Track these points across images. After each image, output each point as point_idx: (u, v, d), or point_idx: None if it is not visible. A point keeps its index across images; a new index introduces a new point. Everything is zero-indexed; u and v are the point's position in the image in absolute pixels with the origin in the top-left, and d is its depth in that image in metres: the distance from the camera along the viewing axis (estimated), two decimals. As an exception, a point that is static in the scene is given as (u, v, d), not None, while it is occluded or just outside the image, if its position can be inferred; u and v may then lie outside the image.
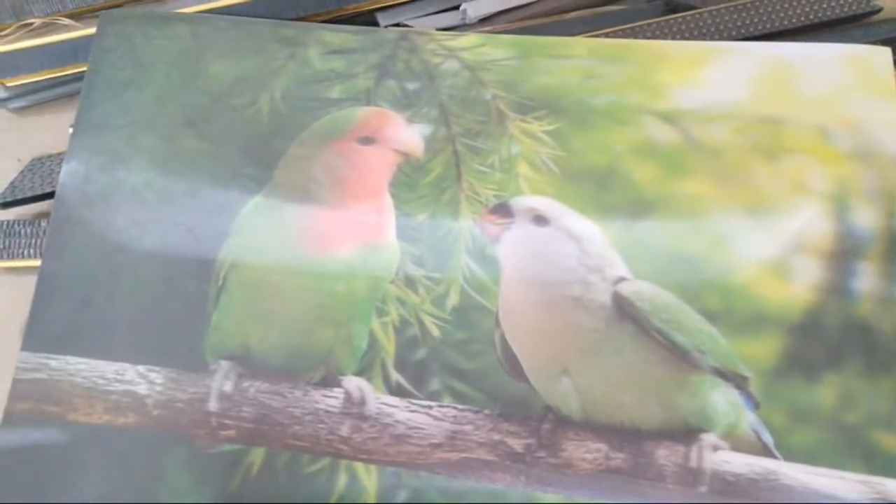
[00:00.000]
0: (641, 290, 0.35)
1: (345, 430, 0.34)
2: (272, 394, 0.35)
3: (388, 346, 0.36)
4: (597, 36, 0.44)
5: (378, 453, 0.34)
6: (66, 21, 0.46)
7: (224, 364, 0.35)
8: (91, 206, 0.39)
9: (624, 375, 0.34)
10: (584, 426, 0.34)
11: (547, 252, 0.36)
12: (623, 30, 0.44)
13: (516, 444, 0.34)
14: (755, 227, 0.37)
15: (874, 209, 0.37)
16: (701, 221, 0.37)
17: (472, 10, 0.47)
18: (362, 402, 0.35)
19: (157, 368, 0.35)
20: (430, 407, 0.34)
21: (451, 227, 0.38)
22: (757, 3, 0.45)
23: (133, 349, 0.36)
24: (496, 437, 0.34)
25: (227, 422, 0.35)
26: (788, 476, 0.33)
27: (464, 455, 0.34)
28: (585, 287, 0.35)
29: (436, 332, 0.36)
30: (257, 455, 0.34)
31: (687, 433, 0.33)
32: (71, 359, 0.36)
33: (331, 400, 0.35)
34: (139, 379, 0.35)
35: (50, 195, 0.42)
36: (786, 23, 0.44)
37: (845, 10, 0.44)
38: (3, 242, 0.42)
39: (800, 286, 0.36)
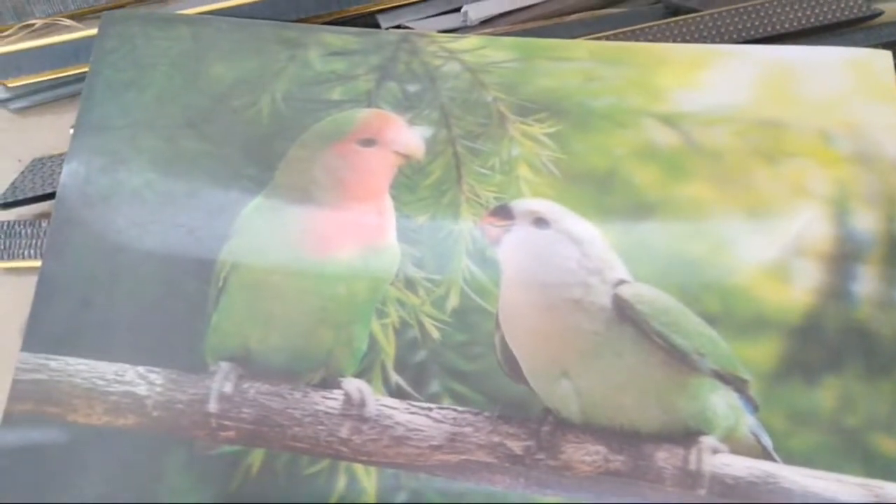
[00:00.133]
0: (641, 292, 0.35)
1: (344, 432, 0.34)
2: (272, 395, 0.35)
3: (388, 347, 0.36)
4: (598, 38, 0.44)
5: (377, 455, 0.34)
6: (68, 22, 0.46)
7: (224, 365, 0.35)
8: (92, 206, 0.39)
9: (624, 378, 0.34)
10: (584, 428, 0.34)
11: (547, 254, 0.36)
12: (624, 32, 0.44)
13: (516, 447, 0.34)
14: (755, 230, 0.37)
15: (874, 213, 0.37)
16: (701, 224, 0.37)
17: (474, 13, 0.47)
18: (362, 404, 0.35)
19: (156, 369, 0.35)
20: (430, 409, 0.34)
21: (452, 229, 0.38)
22: (758, 7, 0.45)
23: (133, 350, 0.36)
24: (496, 439, 0.34)
25: (226, 423, 0.35)
26: (787, 479, 0.33)
27: (463, 457, 0.34)
28: (586, 289, 0.35)
29: (436, 334, 0.36)
30: (257, 456, 0.34)
31: (686, 436, 0.33)
32: (71, 359, 0.36)
33: (330, 401, 0.35)
34: (139, 380, 0.35)
35: (51, 196, 0.42)
36: (787, 26, 0.44)
37: (846, 13, 0.44)
38: (4, 243, 0.42)
39: (800, 289, 0.36)
